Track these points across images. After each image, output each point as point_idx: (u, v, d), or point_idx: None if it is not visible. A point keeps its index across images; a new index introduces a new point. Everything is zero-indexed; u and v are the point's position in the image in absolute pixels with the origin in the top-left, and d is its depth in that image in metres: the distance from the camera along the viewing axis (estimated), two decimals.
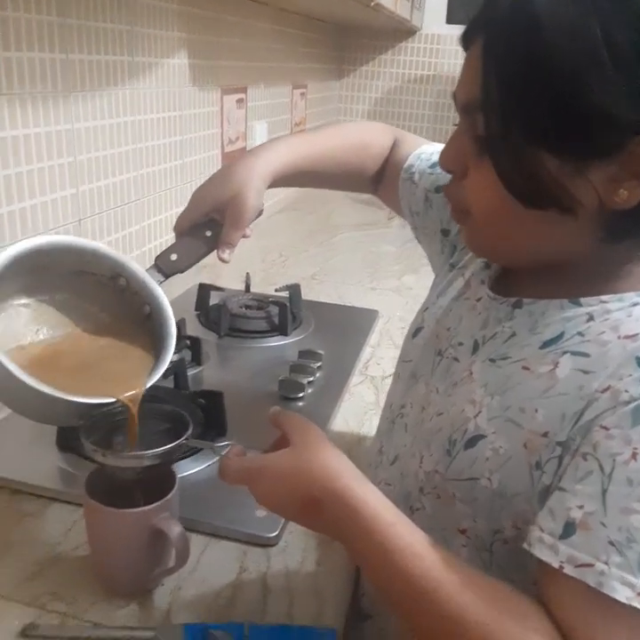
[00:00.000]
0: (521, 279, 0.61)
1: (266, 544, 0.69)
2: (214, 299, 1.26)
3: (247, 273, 1.33)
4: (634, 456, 0.44)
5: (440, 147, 0.81)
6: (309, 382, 0.99)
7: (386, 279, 1.57)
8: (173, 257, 0.70)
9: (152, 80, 1.29)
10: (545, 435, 0.50)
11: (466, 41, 0.52)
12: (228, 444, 0.57)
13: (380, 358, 1.16)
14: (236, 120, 1.72)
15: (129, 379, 0.60)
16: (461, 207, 0.55)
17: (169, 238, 1.42)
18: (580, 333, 0.52)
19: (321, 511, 0.50)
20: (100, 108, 1.14)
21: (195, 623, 0.58)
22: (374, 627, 0.70)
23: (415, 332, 0.72)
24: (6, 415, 0.85)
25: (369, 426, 0.93)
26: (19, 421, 0.84)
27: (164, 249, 0.70)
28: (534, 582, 0.51)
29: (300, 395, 0.97)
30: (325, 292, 1.45)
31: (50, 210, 1.05)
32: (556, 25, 0.45)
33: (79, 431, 0.58)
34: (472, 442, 0.55)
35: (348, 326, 1.26)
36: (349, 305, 1.37)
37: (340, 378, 1.05)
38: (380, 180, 0.85)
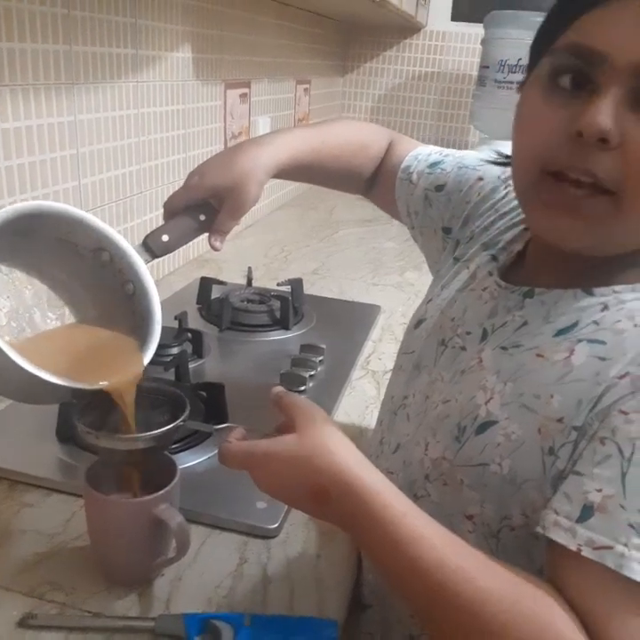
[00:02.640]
0: (532, 269, 0.61)
1: (266, 535, 0.68)
2: (216, 292, 1.25)
3: (249, 267, 1.33)
4: None
5: (433, 148, 0.82)
6: (311, 376, 0.99)
7: (388, 275, 1.57)
8: (165, 238, 0.68)
9: (156, 73, 1.29)
10: (560, 420, 0.50)
11: None
12: (227, 426, 0.57)
13: (381, 353, 1.15)
14: (239, 114, 1.72)
15: (116, 364, 0.58)
16: (608, 183, 0.47)
17: None
18: (595, 322, 0.52)
19: (328, 500, 0.49)
20: (104, 101, 1.14)
21: (195, 613, 0.58)
22: (375, 616, 0.69)
23: (417, 323, 0.72)
24: (5, 406, 0.85)
25: (370, 420, 0.93)
26: (18, 412, 0.85)
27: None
28: (539, 569, 0.51)
29: (302, 388, 0.97)
30: (327, 287, 1.45)
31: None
32: None
33: (73, 412, 0.57)
34: (483, 427, 0.55)
35: (350, 321, 1.25)
36: (351, 300, 1.37)
37: (342, 372, 1.05)
38: (375, 180, 0.85)
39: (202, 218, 0.69)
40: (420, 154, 0.81)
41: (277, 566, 0.65)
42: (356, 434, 0.90)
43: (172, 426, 0.58)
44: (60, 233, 0.61)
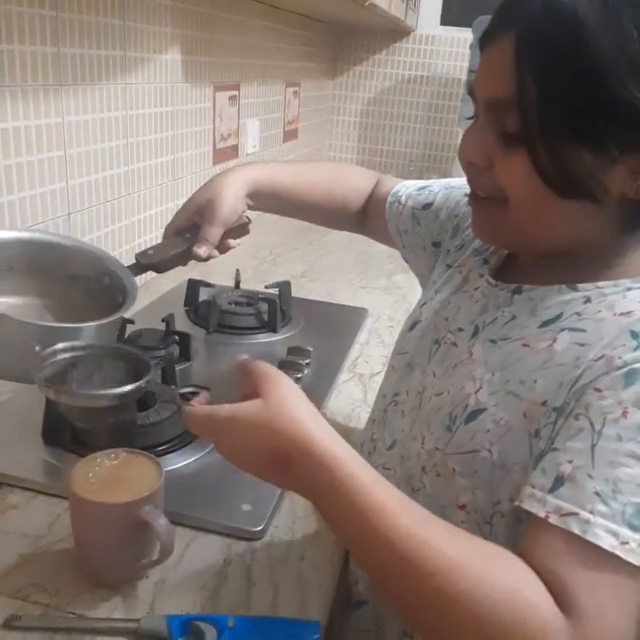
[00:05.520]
0: (521, 269, 0.64)
1: (251, 537, 0.69)
2: (203, 295, 1.26)
3: (237, 269, 1.33)
4: (624, 414, 0.46)
5: (415, 182, 0.88)
6: (298, 379, 0.99)
7: (376, 278, 1.57)
8: (150, 252, 0.75)
9: (144, 75, 1.29)
10: (543, 403, 0.52)
11: (488, 38, 0.53)
12: (192, 392, 0.57)
13: (368, 356, 1.16)
14: (228, 117, 1.72)
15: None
16: (493, 194, 0.57)
17: (159, 234, 1.41)
18: (577, 313, 0.55)
19: (290, 465, 0.49)
20: (92, 102, 1.14)
21: (179, 614, 0.58)
22: (371, 611, 0.70)
23: (412, 325, 0.74)
24: None
25: (356, 422, 0.94)
26: (3, 413, 0.85)
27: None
28: None
29: None
30: (315, 289, 1.46)
31: (39, 203, 1.04)
32: (594, 26, 0.47)
33: (37, 365, 0.57)
34: (473, 416, 0.57)
35: (338, 324, 1.26)
36: (339, 303, 1.37)
37: (329, 375, 1.05)
38: (366, 213, 0.90)
39: (187, 235, 0.77)
40: (408, 182, 0.88)
41: (261, 568, 0.65)
42: (342, 436, 0.90)
43: (135, 385, 0.58)
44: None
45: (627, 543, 0.43)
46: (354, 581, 0.72)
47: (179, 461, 0.78)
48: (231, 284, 1.32)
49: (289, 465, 0.49)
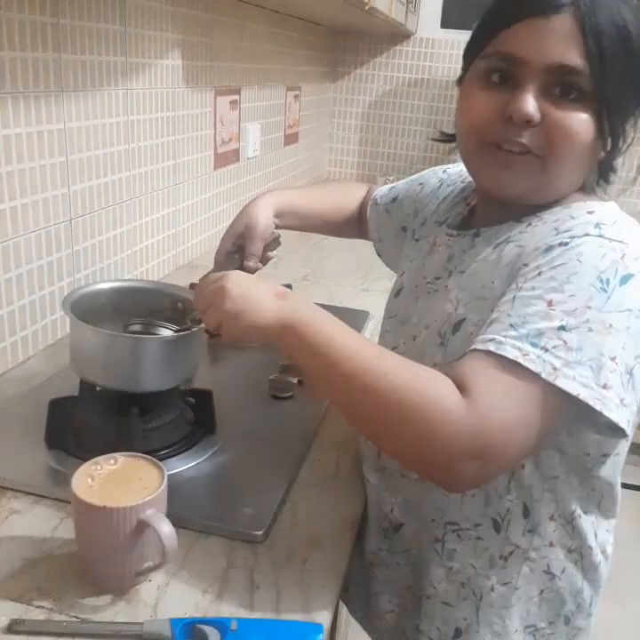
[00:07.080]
0: (476, 220, 0.76)
1: (253, 540, 0.69)
2: None
3: None
4: (539, 273, 0.59)
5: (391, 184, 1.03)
6: (299, 382, 1.00)
7: (378, 280, 1.58)
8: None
9: (145, 80, 1.30)
10: (502, 296, 0.63)
11: (544, 11, 0.62)
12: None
13: None
14: (229, 121, 1.73)
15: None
16: (534, 149, 0.64)
17: (160, 238, 1.43)
18: (520, 231, 0.68)
19: (286, 298, 0.64)
20: (93, 108, 1.14)
21: (182, 618, 0.58)
22: (408, 531, 0.77)
23: (397, 292, 0.85)
24: None
25: None
26: (7, 418, 0.85)
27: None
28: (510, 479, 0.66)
29: (290, 394, 0.97)
30: (317, 292, 1.46)
31: (41, 209, 1.05)
32: None
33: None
34: (457, 326, 0.68)
35: None
36: (341, 306, 1.38)
37: None
38: (360, 218, 1.05)
39: (236, 256, 0.92)
40: (385, 186, 1.04)
41: (264, 571, 0.65)
42: (345, 439, 0.90)
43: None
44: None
45: (527, 355, 0.55)
46: (389, 509, 0.78)
47: (181, 465, 0.78)
48: None
49: (285, 297, 0.65)
